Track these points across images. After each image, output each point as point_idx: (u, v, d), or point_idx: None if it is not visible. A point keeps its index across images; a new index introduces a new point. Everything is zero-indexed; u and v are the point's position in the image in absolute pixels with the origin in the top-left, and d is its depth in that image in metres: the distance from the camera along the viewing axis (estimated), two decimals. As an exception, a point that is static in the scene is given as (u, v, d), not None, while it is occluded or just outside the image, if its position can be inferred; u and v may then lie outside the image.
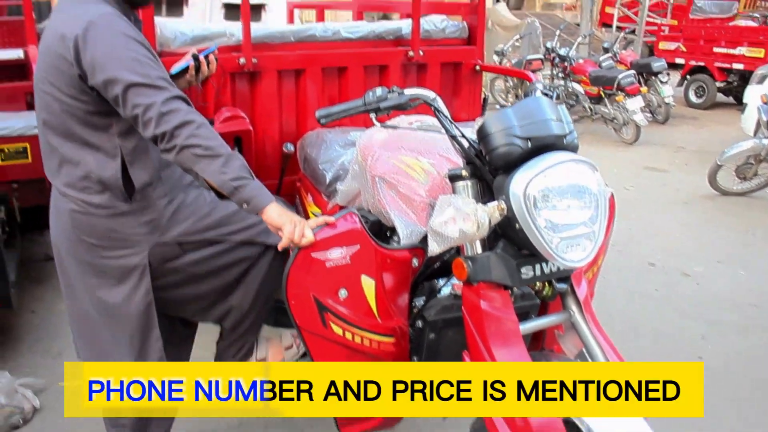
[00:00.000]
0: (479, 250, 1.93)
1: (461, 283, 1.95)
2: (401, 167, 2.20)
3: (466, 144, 1.97)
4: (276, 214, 1.91)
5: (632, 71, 9.01)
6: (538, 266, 1.94)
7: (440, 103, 2.03)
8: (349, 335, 2.06)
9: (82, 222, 2.05)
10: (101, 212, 2.04)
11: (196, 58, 2.38)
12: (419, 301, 2.29)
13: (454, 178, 1.96)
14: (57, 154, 2.02)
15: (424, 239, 2.15)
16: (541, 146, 1.87)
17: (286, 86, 3.05)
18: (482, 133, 1.90)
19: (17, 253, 3.85)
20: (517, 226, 1.83)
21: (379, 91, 2.00)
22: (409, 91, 2.02)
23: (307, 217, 2.90)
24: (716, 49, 11.38)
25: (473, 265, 1.89)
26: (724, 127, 10.01)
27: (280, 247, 1.94)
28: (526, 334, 1.98)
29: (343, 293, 2.03)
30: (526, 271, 1.93)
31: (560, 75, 9.61)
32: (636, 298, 4.28)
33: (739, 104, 10.93)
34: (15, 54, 3.98)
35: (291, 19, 5.45)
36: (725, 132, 9.48)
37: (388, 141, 2.30)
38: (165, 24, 2.84)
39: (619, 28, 14.23)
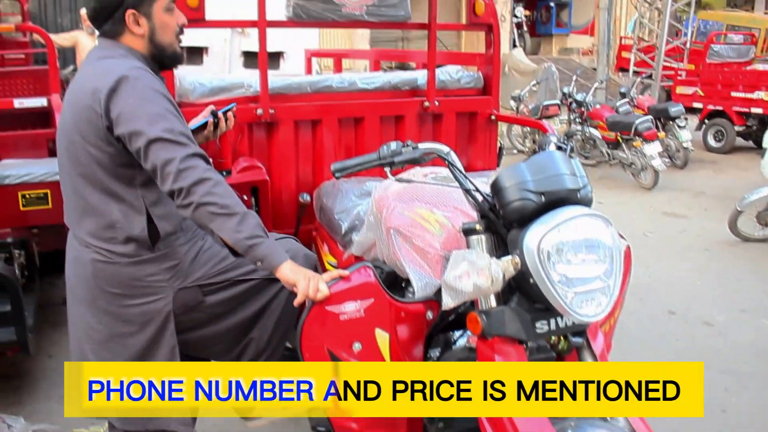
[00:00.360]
0: (494, 303, 1.92)
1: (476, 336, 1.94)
2: (416, 219, 2.21)
3: (480, 198, 1.98)
4: (289, 271, 1.94)
5: (649, 116, 9.01)
6: (553, 320, 1.92)
7: (454, 157, 2.05)
8: (363, 388, 2.05)
9: (104, 271, 2.06)
10: (124, 260, 2.06)
11: (215, 114, 2.43)
12: (434, 353, 2.28)
13: (468, 231, 1.96)
14: (81, 203, 2.05)
15: (439, 291, 2.15)
16: (555, 200, 1.88)
17: (302, 136, 3.09)
18: (496, 188, 1.91)
19: (36, 298, 3.90)
20: (531, 280, 1.82)
21: (393, 145, 2.02)
22: (424, 146, 2.04)
23: (323, 266, 2.94)
24: (734, 94, 11.36)
25: (487, 319, 1.89)
26: (744, 171, 9.94)
27: (296, 303, 1.96)
28: (542, 388, 1.96)
29: (357, 346, 2.03)
30: (541, 326, 1.91)
31: (577, 120, 9.63)
32: (656, 348, 4.21)
33: (759, 148, 10.86)
34: (39, 102, 4.10)
35: (309, 67, 5.55)
36: (745, 177, 9.41)
37: (403, 193, 2.31)
38: (184, 76, 2.91)
39: (636, 73, 14.29)
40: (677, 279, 5.48)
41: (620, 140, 8.95)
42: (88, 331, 2.15)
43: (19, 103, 4.01)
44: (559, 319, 1.92)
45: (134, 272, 2.07)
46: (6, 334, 3.24)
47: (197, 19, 2.77)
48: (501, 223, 1.95)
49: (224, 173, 2.81)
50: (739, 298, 5.06)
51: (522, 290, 1.91)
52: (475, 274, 1.81)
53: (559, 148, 2.26)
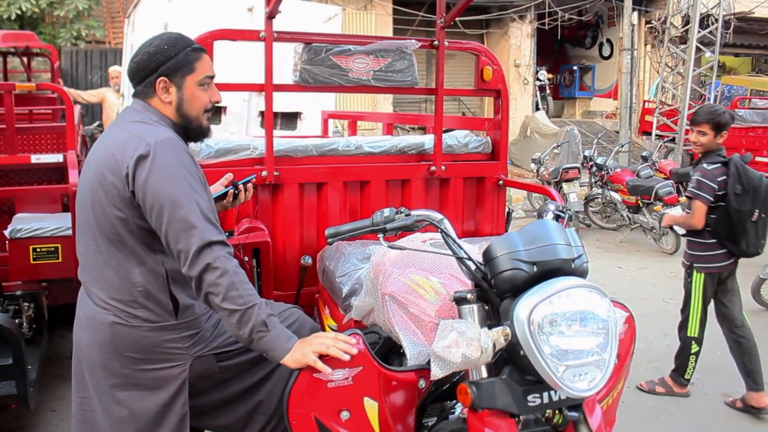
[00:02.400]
0: (485, 375, 1.89)
1: (468, 408, 1.89)
2: (412, 286, 2.19)
3: (473, 266, 1.96)
4: (294, 363, 1.94)
5: (670, 181, 8.95)
6: (546, 394, 1.88)
7: (447, 225, 2.04)
8: (350, 458, 2.00)
9: (124, 335, 2.04)
10: (146, 326, 2.05)
11: (235, 186, 2.48)
12: (430, 421, 2.22)
13: (459, 300, 1.93)
14: (101, 262, 2.04)
15: (434, 360, 2.11)
16: (548, 271, 1.85)
17: (307, 199, 3.11)
18: (487, 257, 1.89)
19: (42, 351, 3.90)
20: (521, 352, 1.79)
21: (386, 211, 2.02)
22: (416, 213, 2.04)
23: (323, 330, 2.90)
24: (758, 159, 11.27)
25: (478, 391, 1.85)
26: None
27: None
28: (536, 465, 1.90)
29: (345, 415, 1.98)
30: (533, 399, 1.86)
31: (598, 183, 9.60)
32: (673, 424, 4.07)
33: (784, 215, 10.71)
34: (55, 158, 4.19)
35: (325, 128, 5.62)
36: (769, 243, 9.23)
37: (400, 259, 2.30)
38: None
39: (658, 137, 14.27)
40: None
41: (641, 204, 8.88)
42: (95, 392, 2.10)
43: (36, 158, 4.11)
44: (552, 392, 1.88)
45: (155, 338, 2.06)
46: (7, 387, 3.23)
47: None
48: (493, 293, 1.92)
49: (226, 234, 2.81)
50: (764, 373, 4.88)
51: (514, 362, 1.87)
52: (464, 344, 1.78)
53: (557, 216, 2.24)
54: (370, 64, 3.07)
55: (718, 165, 3.97)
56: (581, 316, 1.82)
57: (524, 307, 1.78)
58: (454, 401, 2.22)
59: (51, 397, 4.12)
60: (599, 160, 9.56)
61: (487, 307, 1.95)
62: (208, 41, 2.79)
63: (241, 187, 2.50)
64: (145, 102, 2.12)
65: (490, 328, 1.85)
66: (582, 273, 1.92)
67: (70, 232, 3.66)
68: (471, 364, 1.81)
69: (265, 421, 2.34)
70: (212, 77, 2.17)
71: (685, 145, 13.43)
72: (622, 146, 11.58)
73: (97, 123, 8.00)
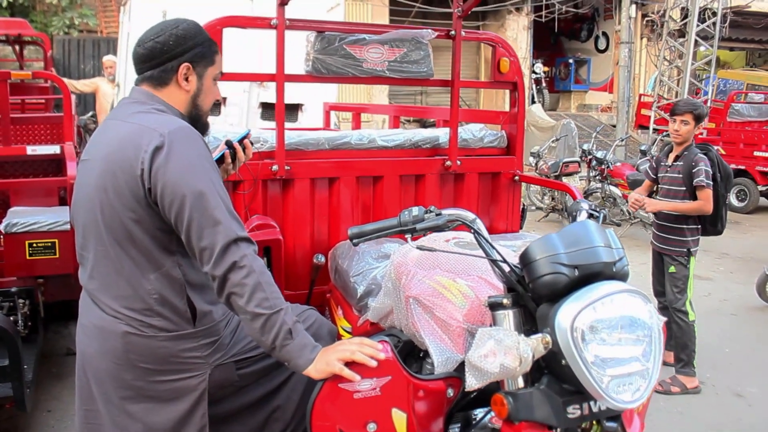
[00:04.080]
0: (521, 385, 1.78)
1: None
2: (437, 288, 2.08)
3: (507, 269, 1.85)
4: (318, 374, 1.83)
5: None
6: (586, 404, 1.78)
7: (480, 225, 1.93)
8: (377, 472, 1.89)
9: (138, 345, 1.89)
10: (162, 335, 1.90)
11: (230, 145, 2.30)
12: (454, 430, 2.12)
13: (494, 306, 1.82)
14: (112, 268, 1.88)
15: (460, 367, 2.00)
16: (590, 274, 1.75)
17: (319, 194, 2.98)
18: (526, 260, 1.77)
19: (38, 349, 3.78)
20: (563, 362, 1.68)
21: (415, 210, 1.90)
22: (448, 212, 1.93)
23: (337, 331, 2.79)
24: (757, 153, 11.24)
25: (514, 402, 1.74)
26: (768, 232, 9.74)
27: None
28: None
29: (371, 427, 1.88)
30: (573, 411, 1.76)
31: (597, 178, 9.51)
32: (685, 422, 3.99)
33: (784, 209, 10.70)
34: (52, 150, 4.05)
35: (327, 120, 5.49)
36: (770, 238, 9.21)
37: (423, 259, 2.19)
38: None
39: (656, 131, 14.20)
40: (705, 346, 5.24)
41: (641, 198, 8.80)
42: (104, 406, 1.96)
43: (32, 150, 3.96)
44: (592, 403, 1.78)
45: (172, 347, 1.91)
46: (2, 389, 3.11)
47: (214, 72, 2.70)
48: (529, 297, 1.81)
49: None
50: (771, 369, 4.83)
51: (552, 371, 1.77)
52: (502, 353, 1.68)
53: (590, 215, 2.13)
54: (385, 54, 2.94)
55: (704, 153, 4.19)
56: (625, 322, 1.72)
57: (567, 314, 1.67)
58: (481, 411, 2.12)
59: (47, 396, 3.99)
60: (599, 154, 9.48)
61: (521, 313, 1.84)
62: (217, 28, 2.66)
63: (236, 145, 2.30)
64: (149, 90, 1.95)
65: (526, 335, 1.74)
66: (623, 276, 1.82)
67: (68, 226, 3.52)
68: (509, 374, 1.70)
69: (283, 427, 2.24)
70: (222, 74, 2.10)
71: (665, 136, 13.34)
72: (622, 140, 11.51)
73: (90, 113, 7.82)
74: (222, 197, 1.83)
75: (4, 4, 11.13)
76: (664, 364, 4.31)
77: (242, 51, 4.44)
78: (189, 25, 1.97)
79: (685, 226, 4.23)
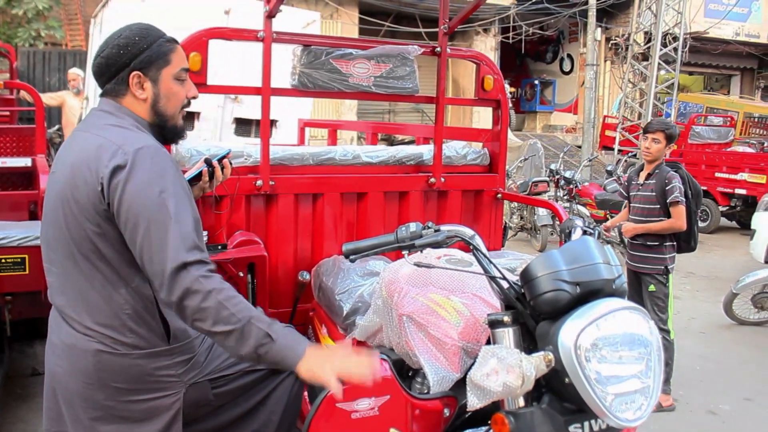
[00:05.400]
0: (522, 404, 1.75)
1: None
2: (431, 306, 2.05)
3: (506, 285, 1.82)
4: (307, 374, 1.71)
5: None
6: (587, 423, 1.75)
7: (479, 241, 1.90)
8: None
9: (111, 364, 1.80)
10: (136, 353, 1.82)
11: (209, 163, 2.25)
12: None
13: (494, 324, 1.79)
14: (81, 284, 1.80)
15: (455, 386, 1.97)
16: (590, 291, 1.73)
17: (303, 210, 2.94)
18: (527, 277, 1.75)
19: (2, 370, 3.63)
20: (566, 380, 1.66)
21: (413, 226, 1.87)
22: (446, 228, 1.89)
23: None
24: (718, 174, 11.49)
25: (516, 421, 1.71)
26: (731, 251, 9.92)
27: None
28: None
29: (368, 448, 1.82)
30: (575, 430, 1.74)
31: (566, 197, 9.61)
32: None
33: (743, 228, 10.90)
34: (23, 162, 3.92)
35: (302, 136, 5.45)
36: (732, 256, 9.38)
37: (415, 276, 2.15)
38: (181, 143, 2.76)
39: (620, 151, 14.46)
40: (677, 364, 5.24)
41: (609, 218, 8.92)
42: (73, 427, 1.86)
43: (2, 162, 3.82)
44: (593, 421, 1.75)
45: (145, 365, 1.83)
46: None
47: (199, 83, 2.63)
48: (529, 315, 1.79)
49: (219, 247, 2.63)
50: (742, 386, 4.89)
51: (553, 389, 1.74)
52: (504, 372, 1.64)
53: (585, 233, 2.13)
54: (371, 70, 2.92)
55: (674, 172, 4.23)
56: (627, 340, 1.71)
57: (569, 332, 1.65)
58: (472, 430, 2.08)
59: (12, 419, 3.83)
60: (567, 174, 9.58)
61: (521, 330, 1.82)
62: (203, 40, 2.61)
63: (215, 164, 2.25)
64: (115, 102, 1.88)
65: (526, 353, 1.72)
66: (622, 293, 1.81)
67: (38, 242, 3.39)
68: (511, 393, 1.67)
69: None
70: (188, 70, 1.96)
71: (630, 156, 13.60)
72: (590, 160, 11.66)
73: (56, 127, 7.64)
74: (179, 218, 1.73)
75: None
76: None
77: (222, 64, 4.38)
78: (132, 31, 1.87)
79: (661, 244, 4.25)
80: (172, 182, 1.76)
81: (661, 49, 13.64)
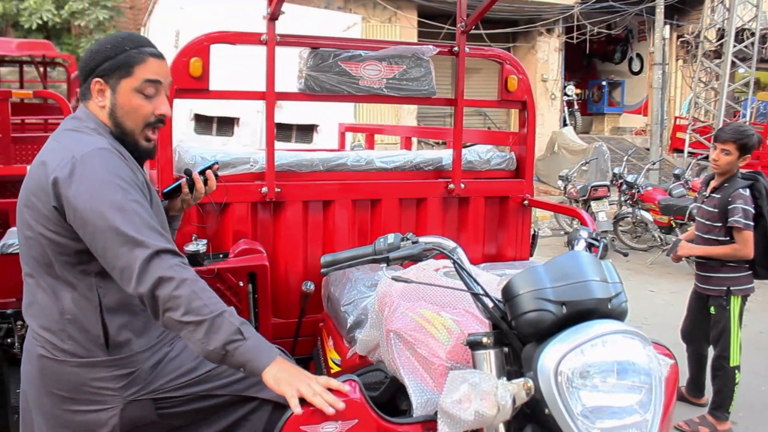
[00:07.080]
0: (502, 433, 1.59)
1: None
2: (420, 322, 1.91)
3: (490, 304, 1.67)
4: (272, 380, 1.64)
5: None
6: (574, 458, 1.57)
7: (461, 254, 1.76)
8: None
9: (51, 370, 1.81)
10: (74, 360, 1.80)
11: (188, 173, 2.16)
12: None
13: (474, 345, 1.64)
14: (32, 288, 1.84)
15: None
16: (580, 312, 1.56)
17: (312, 218, 2.84)
18: (508, 295, 1.60)
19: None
20: (546, 411, 1.49)
21: (391, 238, 1.75)
22: (425, 240, 1.76)
23: (326, 363, 2.62)
24: (797, 180, 10.83)
25: (495, 453, 1.55)
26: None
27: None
28: None
29: (335, 475, 1.69)
30: (561, 465, 1.56)
31: (628, 202, 9.23)
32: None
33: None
34: None
35: (342, 141, 5.37)
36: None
37: (408, 290, 2.02)
38: (186, 149, 2.71)
39: (691, 154, 13.82)
40: (741, 383, 4.94)
41: (674, 224, 8.50)
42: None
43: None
44: (582, 456, 1.57)
45: (82, 375, 1.80)
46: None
47: (200, 89, 2.59)
48: (515, 335, 1.63)
49: (221, 256, 2.56)
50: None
51: (537, 419, 1.57)
52: (477, 399, 1.50)
53: (590, 245, 1.95)
54: (383, 72, 2.80)
55: (747, 186, 3.68)
56: (619, 367, 1.53)
57: (550, 357, 1.49)
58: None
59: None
60: (629, 178, 9.19)
61: (507, 350, 1.66)
62: (204, 45, 2.55)
63: (196, 176, 2.14)
64: (84, 106, 1.90)
65: (509, 377, 1.56)
66: (620, 315, 1.62)
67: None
68: (485, 423, 1.52)
69: None
70: (155, 82, 1.86)
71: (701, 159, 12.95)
72: (654, 164, 11.19)
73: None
74: (137, 211, 1.70)
75: (35, 26, 11.30)
76: (698, 405, 4.09)
77: (246, 68, 4.35)
78: (107, 38, 1.90)
79: (724, 263, 3.78)
80: (123, 179, 1.74)
81: (735, 46, 12.98)
